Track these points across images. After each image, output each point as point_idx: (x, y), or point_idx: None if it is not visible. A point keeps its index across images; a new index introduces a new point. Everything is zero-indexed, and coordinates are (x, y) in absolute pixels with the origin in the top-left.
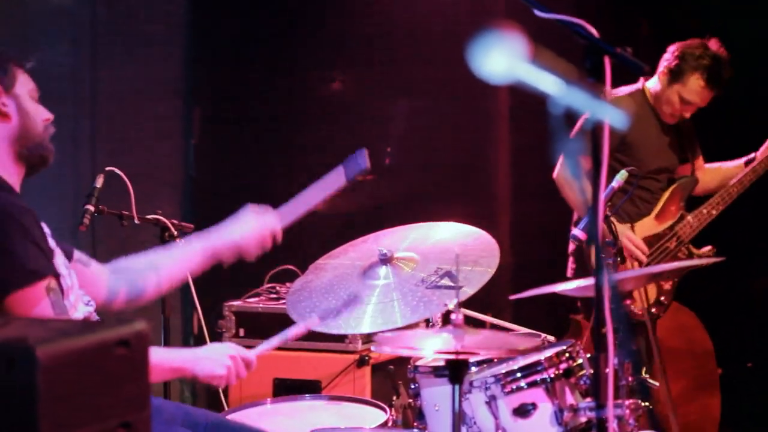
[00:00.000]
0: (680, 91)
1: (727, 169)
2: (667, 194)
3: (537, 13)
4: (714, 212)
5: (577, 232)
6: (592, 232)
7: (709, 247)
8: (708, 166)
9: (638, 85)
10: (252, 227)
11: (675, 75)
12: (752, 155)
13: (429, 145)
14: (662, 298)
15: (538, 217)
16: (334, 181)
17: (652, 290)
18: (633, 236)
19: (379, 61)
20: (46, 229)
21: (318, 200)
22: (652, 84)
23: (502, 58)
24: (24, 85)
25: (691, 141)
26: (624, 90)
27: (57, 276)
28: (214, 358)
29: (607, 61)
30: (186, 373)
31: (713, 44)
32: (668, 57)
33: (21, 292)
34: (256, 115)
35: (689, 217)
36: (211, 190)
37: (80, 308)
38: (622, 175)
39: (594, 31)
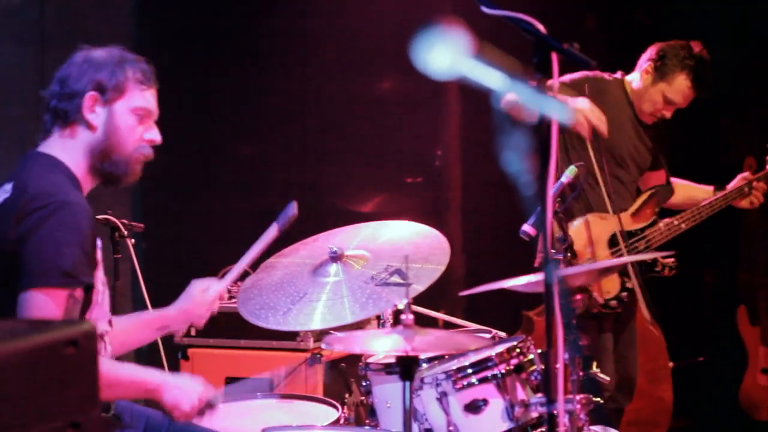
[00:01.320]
0: (665, 90)
1: (694, 190)
2: (645, 196)
3: (484, 9)
4: (684, 226)
5: (526, 227)
6: (542, 227)
7: (671, 258)
8: (675, 180)
9: (617, 76)
10: (199, 298)
11: (661, 74)
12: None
13: (380, 143)
14: (623, 294)
15: (490, 212)
16: (268, 235)
17: (614, 284)
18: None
19: (326, 60)
20: (99, 242)
21: (255, 256)
22: (632, 79)
23: (446, 54)
24: (132, 101)
25: (662, 150)
26: (603, 73)
27: (90, 288)
28: (186, 392)
29: (554, 56)
30: (154, 395)
31: (696, 46)
32: (651, 56)
33: (46, 290)
34: (204, 114)
35: (661, 224)
36: (162, 188)
37: (101, 325)
38: (571, 171)
39: (541, 27)
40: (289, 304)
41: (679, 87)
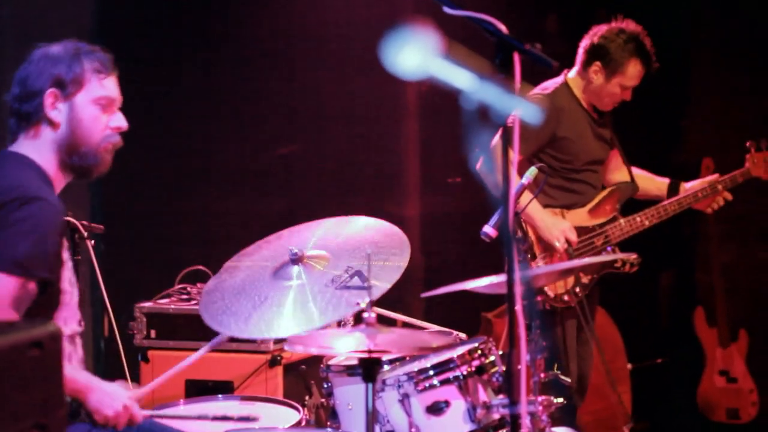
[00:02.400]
0: (621, 81)
1: (648, 181)
2: (605, 193)
3: (446, 10)
4: (647, 223)
5: (487, 229)
6: (504, 228)
7: (635, 255)
8: (636, 171)
9: (561, 79)
10: (120, 391)
11: (611, 69)
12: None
13: (338, 142)
14: (577, 290)
15: (448, 213)
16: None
17: (568, 279)
18: (567, 228)
19: (284, 60)
20: (65, 242)
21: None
22: (576, 78)
23: (414, 55)
24: (92, 92)
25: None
26: (550, 85)
27: (46, 285)
28: (110, 397)
29: (516, 57)
30: (79, 395)
31: (627, 24)
32: (593, 53)
33: None
34: (164, 113)
35: (622, 221)
36: (122, 189)
37: (71, 326)
38: (531, 172)
39: (503, 28)
40: (250, 309)
41: (632, 72)
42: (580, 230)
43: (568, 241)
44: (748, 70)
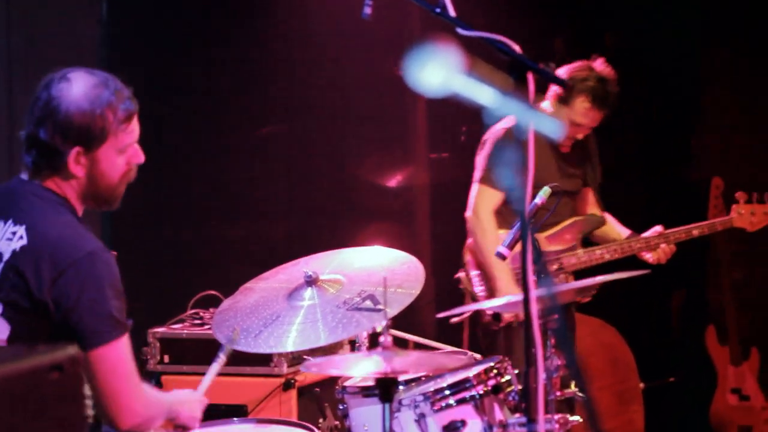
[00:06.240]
0: (569, 114)
1: (610, 228)
2: (567, 222)
3: (459, 30)
4: (607, 256)
5: (501, 249)
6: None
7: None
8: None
9: None
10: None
11: (562, 99)
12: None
13: (348, 167)
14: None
15: (458, 237)
16: (217, 363)
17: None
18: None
19: (293, 84)
20: None
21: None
22: (545, 107)
23: (437, 71)
24: (115, 143)
25: (592, 167)
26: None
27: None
28: (194, 401)
29: (530, 77)
30: (171, 414)
31: (598, 64)
32: (557, 82)
33: (110, 345)
34: (172, 140)
35: (580, 251)
36: (134, 215)
37: None
38: (545, 192)
39: (516, 48)
40: (261, 326)
41: (580, 109)
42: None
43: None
44: (759, 89)
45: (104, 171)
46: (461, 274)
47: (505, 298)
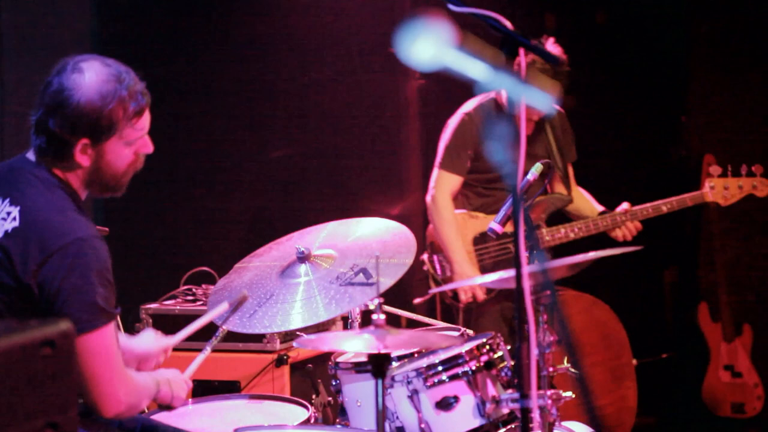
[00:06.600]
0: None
1: (585, 203)
2: (529, 202)
3: (450, 6)
4: (572, 235)
5: (494, 225)
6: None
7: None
8: (578, 191)
9: (491, 94)
10: (151, 345)
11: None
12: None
13: (341, 143)
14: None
15: None
16: (217, 314)
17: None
18: (477, 286)
19: (288, 60)
20: None
21: (201, 325)
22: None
23: (428, 46)
24: (125, 136)
25: (565, 142)
26: (474, 102)
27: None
28: (180, 380)
29: (522, 52)
30: (162, 395)
31: (549, 45)
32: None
33: (94, 332)
34: (167, 115)
35: (544, 230)
36: (126, 190)
37: None
38: (537, 168)
39: (508, 24)
40: (255, 306)
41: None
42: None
43: (474, 295)
44: (749, 66)
45: (110, 162)
46: (425, 257)
47: (497, 275)
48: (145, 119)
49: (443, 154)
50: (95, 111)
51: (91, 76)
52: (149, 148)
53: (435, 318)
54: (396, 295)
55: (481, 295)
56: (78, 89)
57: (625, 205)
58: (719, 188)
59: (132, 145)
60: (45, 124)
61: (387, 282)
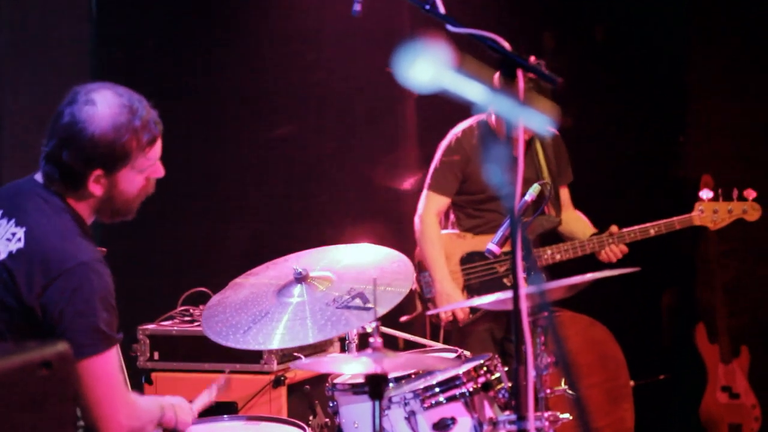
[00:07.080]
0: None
1: (580, 225)
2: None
3: (449, 28)
4: (558, 257)
5: (491, 246)
6: (513, 241)
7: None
8: (572, 213)
9: (482, 116)
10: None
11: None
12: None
13: (338, 168)
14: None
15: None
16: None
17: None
18: (458, 300)
19: (286, 85)
20: None
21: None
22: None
23: (426, 68)
24: (137, 165)
25: (559, 164)
26: (464, 126)
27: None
28: (187, 409)
29: (520, 73)
30: (166, 420)
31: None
32: None
33: (96, 357)
34: (167, 140)
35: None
36: None
37: None
38: (534, 189)
39: (506, 45)
40: (250, 323)
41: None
42: (479, 255)
43: (455, 316)
44: (748, 85)
45: (123, 190)
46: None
47: (494, 296)
48: (158, 147)
49: (432, 175)
50: (109, 144)
51: (104, 108)
52: (160, 172)
53: (424, 336)
54: (390, 313)
55: (461, 316)
56: (91, 122)
57: (613, 228)
58: (708, 212)
59: (144, 172)
60: (58, 156)
61: (382, 310)
